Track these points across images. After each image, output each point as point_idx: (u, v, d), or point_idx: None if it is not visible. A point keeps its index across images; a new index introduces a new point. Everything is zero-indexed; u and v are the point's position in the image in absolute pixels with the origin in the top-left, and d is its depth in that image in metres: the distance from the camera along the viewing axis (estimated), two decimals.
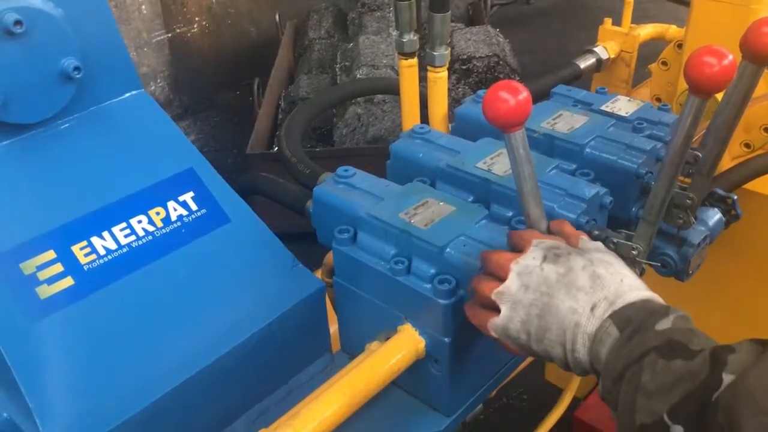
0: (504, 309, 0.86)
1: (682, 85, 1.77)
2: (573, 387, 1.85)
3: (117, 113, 1.10)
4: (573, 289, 0.83)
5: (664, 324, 0.78)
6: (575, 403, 2.05)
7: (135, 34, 4.48)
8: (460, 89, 3.68)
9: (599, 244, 0.91)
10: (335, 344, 1.18)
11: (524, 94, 0.82)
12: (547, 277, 0.84)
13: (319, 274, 1.24)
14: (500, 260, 0.88)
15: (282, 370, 1.09)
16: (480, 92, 1.32)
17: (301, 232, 1.38)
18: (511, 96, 0.81)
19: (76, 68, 1.00)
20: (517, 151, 0.86)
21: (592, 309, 0.81)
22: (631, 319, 0.79)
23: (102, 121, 1.08)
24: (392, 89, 2.11)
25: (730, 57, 0.84)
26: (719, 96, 1.04)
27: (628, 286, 0.83)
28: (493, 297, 0.86)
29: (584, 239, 0.90)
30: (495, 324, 0.87)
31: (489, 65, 3.74)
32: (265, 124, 3.72)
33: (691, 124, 0.91)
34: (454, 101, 3.35)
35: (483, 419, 2.50)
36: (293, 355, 1.10)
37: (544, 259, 0.86)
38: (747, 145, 1.68)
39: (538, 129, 1.20)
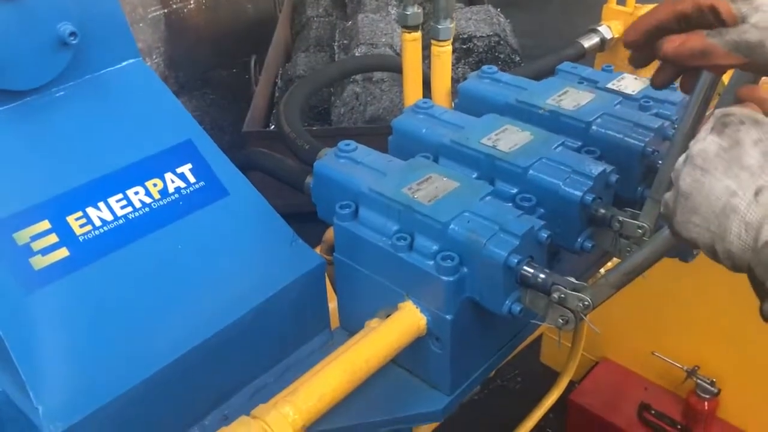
0: (672, 190, 0.74)
1: None
2: (570, 370, 1.84)
3: (114, 82, 1.07)
4: (735, 167, 0.68)
5: None
6: (570, 386, 2.05)
7: (130, 9, 4.42)
8: (459, 69, 3.65)
9: None
10: (334, 322, 1.16)
11: None
12: (705, 148, 0.70)
13: (317, 252, 1.22)
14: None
15: (280, 346, 1.08)
16: (484, 68, 1.29)
17: (297, 211, 1.36)
18: None
19: (72, 34, 0.97)
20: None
21: (757, 194, 0.66)
22: None
23: (99, 89, 1.05)
24: (391, 66, 2.09)
25: None
26: (725, 78, 1.02)
27: None
28: (671, 175, 0.75)
29: None
30: (663, 199, 0.75)
31: (490, 45, 3.70)
32: (262, 103, 3.69)
33: (702, 101, 0.90)
34: (453, 81, 3.32)
35: (477, 400, 2.51)
36: (292, 332, 1.09)
37: (712, 129, 0.72)
38: None
39: (543, 106, 1.18)
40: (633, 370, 2.39)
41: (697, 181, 0.70)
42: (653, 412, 2.24)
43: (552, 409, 1.82)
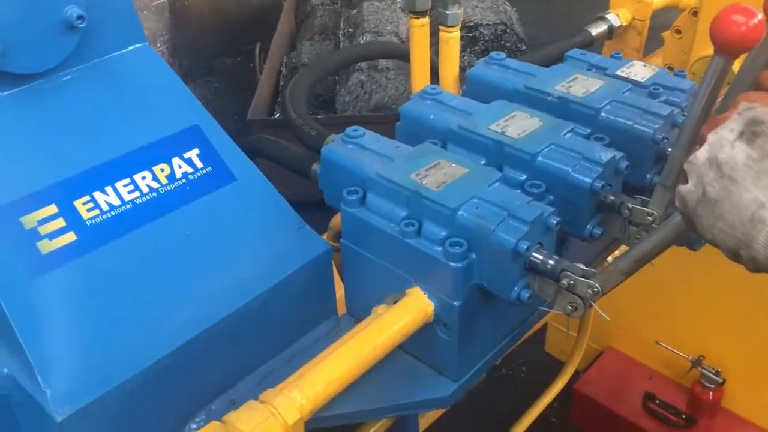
0: (690, 180, 0.75)
1: (696, 53, 1.74)
2: (576, 359, 1.84)
3: (121, 66, 1.07)
4: (765, 178, 0.69)
5: None
6: (575, 375, 2.05)
7: None
8: (465, 57, 3.63)
9: None
10: (340, 308, 1.16)
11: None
12: (733, 157, 0.71)
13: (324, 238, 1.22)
14: (714, 120, 0.76)
15: (287, 332, 1.08)
16: (492, 54, 1.28)
17: (303, 200, 1.35)
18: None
19: (80, 17, 0.96)
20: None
21: None
22: None
23: (106, 73, 1.05)
24: (397, 54, 2.07)
25: (760, 16, 0.81)
26: (735, 68, 1.01)
27: None
28: (685, 166, 0.76)
29: None
30: (679, 193, 0.76)
31: (496, 33, 3.69)
32: (267, 91, 3.68)
33: (713, 87, 0.89)
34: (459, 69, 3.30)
35: (482, 389, 2.51)
36: (298, 318, 1.09)
37: (741, 135, 0.72)
38: None
39: (552, 92, 1.17)
40: (638, 359, 2.39)
41: (726, 189, 0.71)
42: (658, 401, 2.23)
43: (557, 398, 1.82)
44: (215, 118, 1.11)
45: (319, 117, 3.37)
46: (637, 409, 2.25)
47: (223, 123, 1.15)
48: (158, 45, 4.62)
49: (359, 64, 3.37)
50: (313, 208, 1.23)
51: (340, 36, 3.91)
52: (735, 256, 0.74)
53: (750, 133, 0.72)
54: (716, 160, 0.72)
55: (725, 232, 0.72)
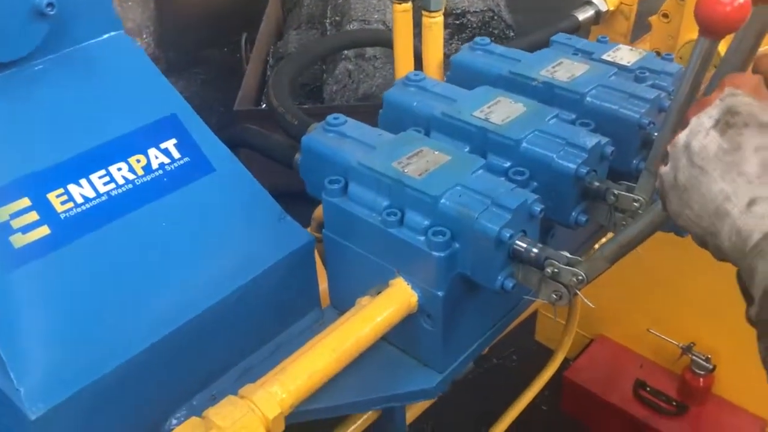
0: (669, 163, 0.74)
1: (683, 37, 1.72)
2: (564, 348, 1.83)
3: (95, 55, 1.04)
4: (733, 172, 0.68)
5: None
6: (565, 363, 2.04)
7: None
8: (453, 44, 3.60)
9: None
10: (324, 300, 1.14)
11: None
12: (706, 146, 0.70)
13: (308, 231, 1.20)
14: (700, 102, 0.75)
15: (269, 325, 1.06)
16: (477, 39, 1.26)
17: (287, 191, 1.33)
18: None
19: (50, 4, 0.93)
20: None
21: (750, 204, 0.66)
22: None
23: (79, 62, 1.02)
24: (382, 41, 2.05)
25: None
26: (722, 50, 0.99)
27: None
28: (668, 147, 0.75)
29: None
30: (659, 173, 0.76)
31: (483, 20, 3.66)
32: (253, 81, 3.64)
33: (699, 69, 0.87)
34: (446, 57, 3.28)
35: (472, 378, 2.50)
36: (281, 311, 1.07)
37: (716, 123, 0.70)
38: None
39: (537, 77, 1.15)
40: (628, 347, 2.38)
41: (695, 178, 0.70)
42: (648, 389, 2.23)
43: (547, 387, 1.81)
44: (202, 109, 1.09)
45: (306, 107, 3.34)
46: (628, 397, 2.25)
47: (210, 114, 1.13)
48: (144, 36, 4.56)
49: (346, 52, 3.34)
50: (298, 199, 1.21)
51: (327, 25, 3.87)
52: (702, 243, 0.73)
53: (724, 123, 0.71)
54: (690, 147, 0.72)
55: (692, 220, 0.72)
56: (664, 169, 0.74)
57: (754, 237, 0.66)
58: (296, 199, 1.25)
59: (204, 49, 4.85)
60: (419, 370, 1.02)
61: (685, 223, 0.73)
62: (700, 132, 0.71)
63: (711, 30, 0.81)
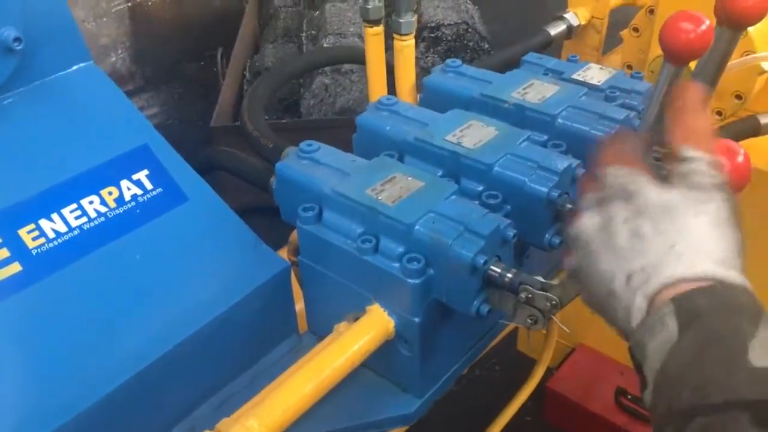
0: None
1: (654, 51, 1.74)
2: (546, 358, 1.83)
3: (64, 87, 1.03)
4: (610, 250, 0.67)
5: (762, 349, 0.51)
6: (548, 373, 2.05)
7: (93, 3, 4.31)
8: (429, 57, 3.62)
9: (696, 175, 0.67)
10: (302, 323, 1.14)
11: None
12: (585, 225, 0.70)
13: (284, 252, 1.20)
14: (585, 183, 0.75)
15: (246, 354, 1.05)
16: (448, 61, 1.27)
17: (269, 206, 1.32)
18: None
19: (17, 39, 0.93)
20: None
21: (628, 279, 0.65)
22: (699, 315, 0.57)
23: (48, 95, 1.01)
24: (358, 58, 2.05)
25: (707, 22, 0.81)
26: (692, 65, 1.01)
27: (677, 255, 0.61)
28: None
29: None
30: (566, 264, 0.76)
31: (458, 33, 3.67)
32: (230, 96, 3.63)
33: (666, 93, 0.88)
34: (423, 71, 3.29)
35: (457, 391, 2.50)
36: (258, 339, 1.06)
37: (595, 201, 0.71)
38: (719, 113, 1.66)
39: (508, 99, 1.16)
40: (609, 355, 2.40)
41: (584, 261, 0.71)
42: (629, 396, 2.25)
43: (530, 397, 1.82)
44: (180, 124, 1.09)
45: (284, 121, 3.33)
46: (610, 405, 2.27)
47: (188, 129, 1.12)
48: (120, 52, 4.53)
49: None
50: (278, 215, 1.20)
51: (303, 38, 3.87)
52: (612, 327, 0.73)
53: (598, 197, 0.72)
54: (580, 228, 0.72)
55: (592, 303, 0.72)
56: (570, 261, 0.75)
57: (633, 313, 0.65)
58: (276, 214, 1.24)
59: (180, 63, 4.83)
60: (398, 396, 1.02)
61: (596, 310, 0.73)
62: (585, 213, 0.71)
63: (675, 56, 0.82)
